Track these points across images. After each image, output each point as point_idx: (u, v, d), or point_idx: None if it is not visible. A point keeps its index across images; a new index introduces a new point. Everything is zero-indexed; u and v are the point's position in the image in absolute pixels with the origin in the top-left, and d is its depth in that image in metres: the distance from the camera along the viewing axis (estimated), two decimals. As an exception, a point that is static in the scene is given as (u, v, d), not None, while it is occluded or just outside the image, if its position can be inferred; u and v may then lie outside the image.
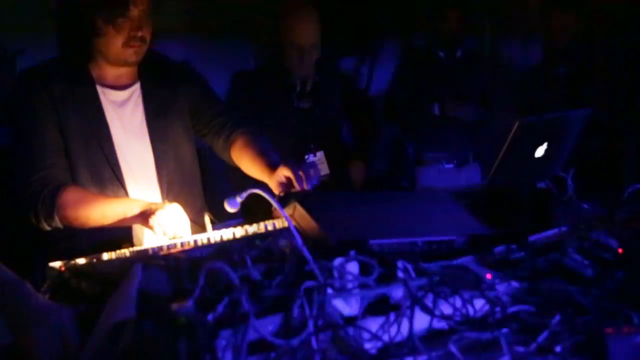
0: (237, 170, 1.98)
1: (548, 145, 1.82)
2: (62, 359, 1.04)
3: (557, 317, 1.13)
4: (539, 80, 3.48)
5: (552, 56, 3.45)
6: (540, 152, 1.82)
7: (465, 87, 3.54)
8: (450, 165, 3.61)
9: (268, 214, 1.56)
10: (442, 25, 3.53)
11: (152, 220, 1.58)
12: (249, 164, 1.90)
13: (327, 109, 2.63)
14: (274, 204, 1.36)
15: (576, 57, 3.41)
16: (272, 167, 1.76)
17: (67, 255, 1.41)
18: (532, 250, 1.40)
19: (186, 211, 1.64)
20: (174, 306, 0.82)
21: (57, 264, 1.36)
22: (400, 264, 1.17)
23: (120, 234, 1.75)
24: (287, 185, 1.68)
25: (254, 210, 1.66)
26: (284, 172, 1.69)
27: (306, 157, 2.33)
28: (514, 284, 1.25)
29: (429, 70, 3.58)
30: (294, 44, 2.46)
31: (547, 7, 3.43)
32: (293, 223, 1.30)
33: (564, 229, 1.53)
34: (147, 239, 1.72)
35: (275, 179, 1.71)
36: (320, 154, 1.97)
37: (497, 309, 1.17)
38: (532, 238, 1.48)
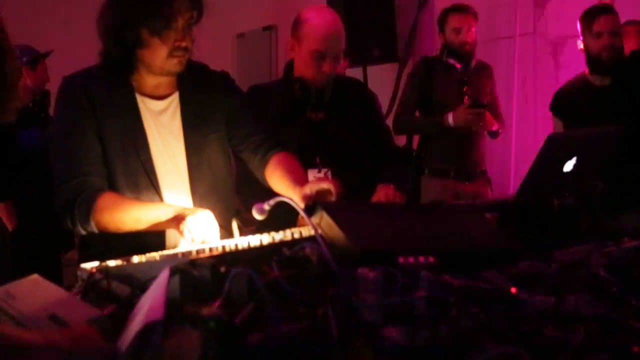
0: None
1: (577, 160, 1.82)
2: None
3: (582, 334, 1.13)
4: (579, 93, 3.41)
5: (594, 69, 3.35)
6: (568, 166, 1.81)
7: (479, 98, 3.56)
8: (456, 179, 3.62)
9: (289, 223, 1.58)
10: (460, 36, 3.58)
11: (182, 226, 1.61)
12: (277, 182, 1.92)
13: (343, 123, 2.42)
14: (301, 213, 1.38)
15: (617, 71, 3.33)
16: (298, 183, 1.78)
17: (101, 258, 1.44)
18: (557, 265, 1.40)
19: (216, 218, 1.67)
20: (204, 310, 0.84)
21: (88, 265, 1.40)
22: (423, 274, 1.18)
23: (152, 239, 1.79)
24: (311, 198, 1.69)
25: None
26: (311, 187, 1.71)
27: (309, 172, 2.11)
28: (539, 298, 1.25)
29: (445, 80, 3.62)
30: (311, 51, 2.32)
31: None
32: (320, 232, 1.32)
33: (590, 244, 1.53)
34: (181, 244, 1.74)
35: (302, 192, 1.72)
36: (326, 171, 1.78)
37: (521, 323, 1.17)
38: (557, 253, 1.48)
